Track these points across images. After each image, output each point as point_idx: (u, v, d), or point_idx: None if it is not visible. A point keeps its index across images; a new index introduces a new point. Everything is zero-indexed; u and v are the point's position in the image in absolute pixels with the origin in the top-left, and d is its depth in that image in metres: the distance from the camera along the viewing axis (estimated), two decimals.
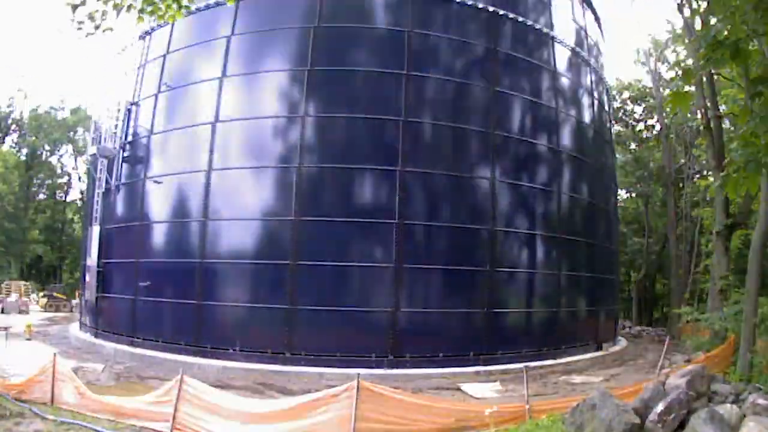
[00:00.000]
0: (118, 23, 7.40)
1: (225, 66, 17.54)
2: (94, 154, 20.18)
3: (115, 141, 19.73)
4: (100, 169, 20.01)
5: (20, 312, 30.57)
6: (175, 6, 7.29)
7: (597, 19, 26.98)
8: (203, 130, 17.39)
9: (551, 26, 20.64)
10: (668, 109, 35.87)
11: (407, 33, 17.16)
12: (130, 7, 7.21)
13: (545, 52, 20.32)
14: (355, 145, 16.76)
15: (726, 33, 5.01)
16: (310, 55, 16.83)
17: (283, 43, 17.57)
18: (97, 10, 7.11)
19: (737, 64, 4.96)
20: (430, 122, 17.24)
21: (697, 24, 22.60)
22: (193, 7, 7.62)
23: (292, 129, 16.74)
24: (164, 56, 19.15)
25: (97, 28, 7.21)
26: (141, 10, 7.24)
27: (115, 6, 7.11)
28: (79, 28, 7.19)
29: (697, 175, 36.82)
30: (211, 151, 17.08)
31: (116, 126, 19.81)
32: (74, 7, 7.06)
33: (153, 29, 19.52)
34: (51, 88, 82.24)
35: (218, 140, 17.13)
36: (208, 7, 18.11)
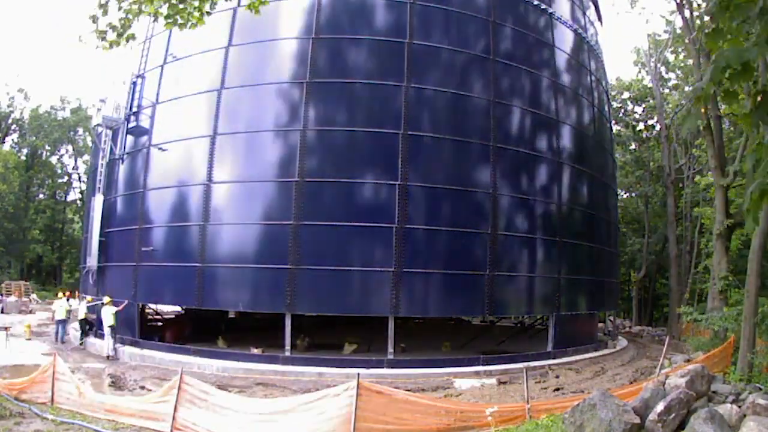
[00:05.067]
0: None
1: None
2: (99, 125, 20.29)
3: (120, 112, 19.87)
4: (105, 140, 20.19)
5: (20, 312, 30.55)
6: (197, 13, 7.32)
7: (599, 17, 27.02)
8: (209, 97, 17.54)
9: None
10: (668, 109, 35.91)
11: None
12: (156, 14, 7.21)
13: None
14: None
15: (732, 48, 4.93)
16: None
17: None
18: (120, 19, 7.08)
19: (745, 81, 4.86)
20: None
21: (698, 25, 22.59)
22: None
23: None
24: (170, 30, 19.05)
25: (120, 36, 7.18)
26: (167, 17, 7.24)
27: (139, 13, 7.09)
28: (103, 38, 7.16)
29: (697, 175, 36.80)
30: (216, 117, 17.19)
31: (123, 98, 19.99)
32: (95, 18, 7.03)
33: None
34: (51, 88, 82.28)
35: (222, 111, 17.31)
36: None
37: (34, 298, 37.68)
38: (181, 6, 7.19)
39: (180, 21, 7.25)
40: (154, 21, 7.34)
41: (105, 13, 7.05)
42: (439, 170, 17.01)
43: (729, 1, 4.56)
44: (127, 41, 7.28)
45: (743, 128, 19.97)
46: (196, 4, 7.26)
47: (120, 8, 6.99)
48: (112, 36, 7.17)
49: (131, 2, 6.98)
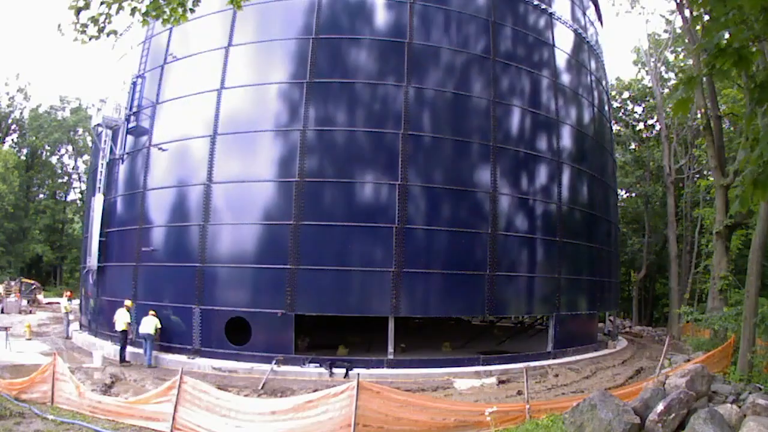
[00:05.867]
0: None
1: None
2: (99, 125, 20.27)
3: (120, 112, 19.81)
4: (105, 140, 20.15)
5: (20, 312, 30.51)
6: (180, 9, 7.26)
7: (599, 18, 27.02)
8: (209, 97, 17.51)
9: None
10: (668, 110, 35.89)
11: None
12: (134, 10, 7.16)
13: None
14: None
15: (728, 38, 4.95)
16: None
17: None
18: (101, 14, 7.04)
19: (740, 70, 4.86)
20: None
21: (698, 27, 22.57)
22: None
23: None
24: (170, 29, 18.95)
25: (100, 31, 7.14)
26: (145, 13, 7.19)
27: (120, 8, 7.05)
28: (83, 32, 7.12)
29: (697, 175, 36.82)
30: (216, 117, 17.16)
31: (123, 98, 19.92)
32: (78, 11, 6.99)
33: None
34: (51, 88, 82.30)
35: (222, 111, 17.26)
36: None
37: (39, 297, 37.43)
38: (162, 1, 7.10)
39: (164, 17, 7.17)
40: (131, 15, 7.16)
41: (87, 6, 6.99)
42: (439, 170, 17.00)
43: None
44: (108, 36, 7.21)
45: (743, 128, 20.00)
46: None
47: (102, 2, 6.94)
48: (92, 30, 7.11)
49: None
